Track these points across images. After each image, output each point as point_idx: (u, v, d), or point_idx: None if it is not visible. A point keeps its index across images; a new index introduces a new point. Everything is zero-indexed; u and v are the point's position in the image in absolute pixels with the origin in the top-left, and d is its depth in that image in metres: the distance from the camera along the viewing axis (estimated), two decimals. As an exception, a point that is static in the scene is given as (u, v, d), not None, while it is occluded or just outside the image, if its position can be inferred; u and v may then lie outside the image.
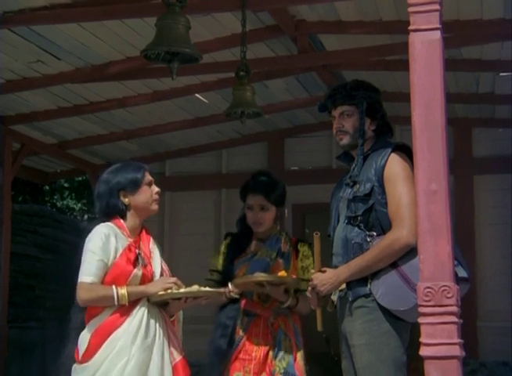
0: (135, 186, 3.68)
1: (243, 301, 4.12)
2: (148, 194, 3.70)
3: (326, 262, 3.69)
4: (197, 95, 7.81)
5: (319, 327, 3.69)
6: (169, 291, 3.53)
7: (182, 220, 9.49)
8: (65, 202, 16.58)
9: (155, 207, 3.73)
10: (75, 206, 16.72)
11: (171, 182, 9.45)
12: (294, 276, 4.08)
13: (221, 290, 3.93)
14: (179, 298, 3.58)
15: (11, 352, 8.01)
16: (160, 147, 9.40)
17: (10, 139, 7.83)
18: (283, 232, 4.31)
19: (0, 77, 6.73)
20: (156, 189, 3.73)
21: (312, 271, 3.68)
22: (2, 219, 7.65)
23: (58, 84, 6.94)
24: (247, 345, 4.03)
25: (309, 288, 3.66)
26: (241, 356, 4.02)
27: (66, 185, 15.89)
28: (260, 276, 4.00)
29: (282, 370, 3.95)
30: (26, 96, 7.23)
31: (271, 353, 4.00)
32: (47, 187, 14.98)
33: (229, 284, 4.06)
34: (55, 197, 16.29)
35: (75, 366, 3.52)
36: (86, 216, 16.62)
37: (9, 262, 7.80)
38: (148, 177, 3.73)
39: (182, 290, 3.55)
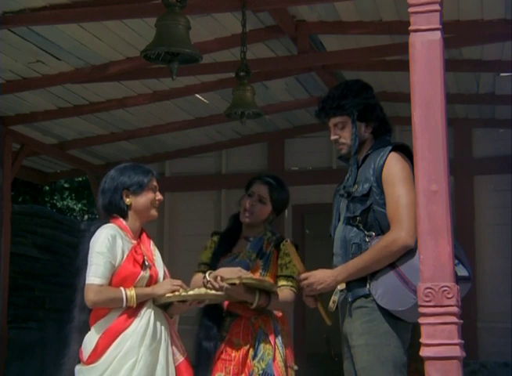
0: (139, 187, 3.70)
1: (226, 302, 4.05)
2: (150, 198, 3.72)
3: (329, 261, 3.68)
4: (197, 95, 7.81)
5: (328, 322, 3.66)
6: (176, 293, 3.56)
7: (182, 221, 9.48)
8: (65, 202, 16.57)
9: (154, 213, 3.76)
10: (75, 206, 16.71)
11: (171, 183, 9.45)
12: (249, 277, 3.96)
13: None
14: (184, 301, 3.61)
15: (10, 352, 8.01)
16: (159, 148, 9.39)
17: (10, 139, 7.84)
18: (268, 232, 4.20)
19: (0, 78, 6.72)
20: (159, 196, 3.76)
21: (299, 274, 3.66)
22: (2, 220, 7.64)
23: (58, 84, 6.94)
24: (228, 346, 3.98)
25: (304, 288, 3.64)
26: (223, 356, 3.97)
27: (66, 185, 15.88)
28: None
29: (260, 372, 3.87)
30: (25, 97, 7.23)
31: (250, 354, 3.94)
32: (47, 188, 14.97)
33: (207, 276, 3.94)
34: (55, 198, 16.28)
35: (80, 367, 3.53)
36: (86, 217, 16.61)
37: (9, 263, 7.79)
38: (154, 182, 3.76)
39: (190, 292, 3.60)
